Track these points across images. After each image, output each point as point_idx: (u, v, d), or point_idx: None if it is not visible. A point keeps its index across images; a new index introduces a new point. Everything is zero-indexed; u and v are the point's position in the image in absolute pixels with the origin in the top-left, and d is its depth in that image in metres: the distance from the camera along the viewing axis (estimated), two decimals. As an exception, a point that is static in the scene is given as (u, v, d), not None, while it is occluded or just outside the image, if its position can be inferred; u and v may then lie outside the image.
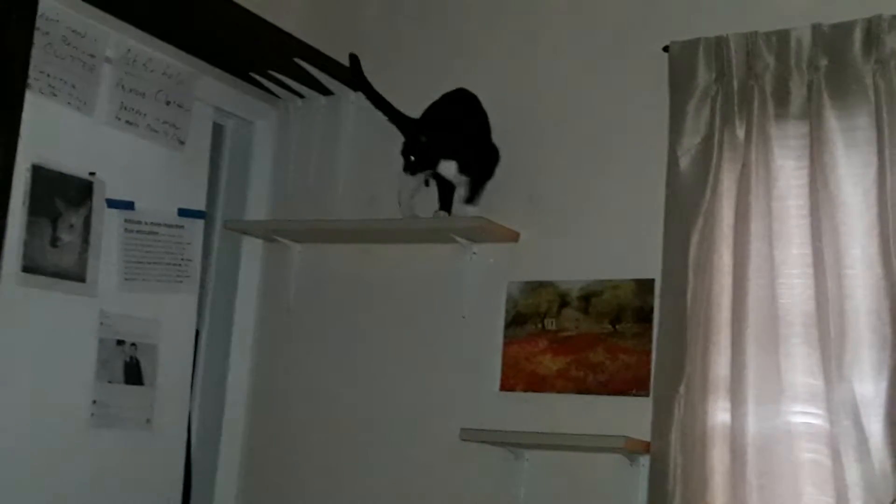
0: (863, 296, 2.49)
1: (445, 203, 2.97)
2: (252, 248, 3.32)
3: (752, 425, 2.52)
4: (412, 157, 2.87)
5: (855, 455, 2.42)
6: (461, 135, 2.93)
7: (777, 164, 2.63)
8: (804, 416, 2.51)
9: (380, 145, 3.13)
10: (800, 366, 2.53)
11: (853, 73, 2.59)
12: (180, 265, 3.03)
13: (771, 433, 2.51)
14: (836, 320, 2.48)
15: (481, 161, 2.96)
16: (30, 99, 2.38)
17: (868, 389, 2.46)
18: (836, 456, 2.44)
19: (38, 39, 2.47)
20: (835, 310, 2.49)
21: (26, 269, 2.62)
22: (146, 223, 2.95)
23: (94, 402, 2.79)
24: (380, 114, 3.04)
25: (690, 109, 2.74)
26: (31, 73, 2.43)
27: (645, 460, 2.66)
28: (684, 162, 2.72)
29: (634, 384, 2.75)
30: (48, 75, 2.67)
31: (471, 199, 2.95)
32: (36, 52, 2.42)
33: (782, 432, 2.51)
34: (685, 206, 2.70)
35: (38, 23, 2.43)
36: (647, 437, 2.64)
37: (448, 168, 2.91)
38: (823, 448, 2.47)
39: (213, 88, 3.16)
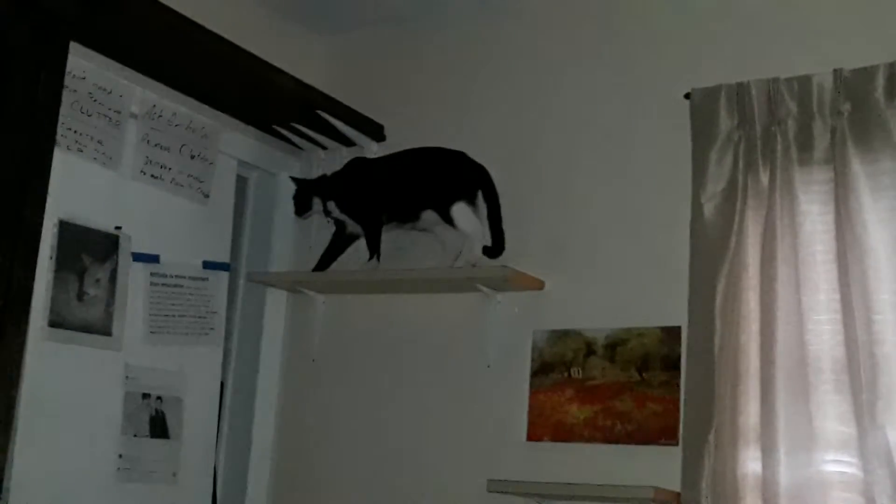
0: (893, 342, 2.47)
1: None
2: (276, 300, 3.33)
3: (784, 474, 2.48)
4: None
5: (890, 504, 2.39)
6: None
7: (802, 210, 2.63)
8: (837, 464, 2.48)
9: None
10: (831, 413, 2.50)
11: (876, 118, 2.59)
12: (205, 317, 3.04)
13: (803, 482, 2.48)
14: (866, 366, 2.46)
15: (361, 206, 3.05)
16: (57, 155, 2.41)
17: (901, 436, 2.42)
18: (870, 505, 2.41)
19: (66, 97, 2.50)
20: (865, 356, 2.47)
21: (53, 323, 2.64)
22: (171, 276, 2.97)
23: (121, 456, 2.79)
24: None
25: (713, 156, 2.74)
26: (59, 129, 2.46)
27: (675, 510, 2.62)
28: (708, 209, 2.72)
29: (663, 433, 2.72)
30: (75, 131, 2.71)
31: (370, 252, 3.04)
32: (63, 109, 2.45)
33: (815, 481, 2.47)
34: (710, 252, 2.69)
35: (66, 80, 2.46)
36: (676, 487, 2.61)
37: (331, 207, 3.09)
38: (857, 497, 2.44)
39: (236, 141, 3.19)
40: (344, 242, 3.15)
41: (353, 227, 3.11)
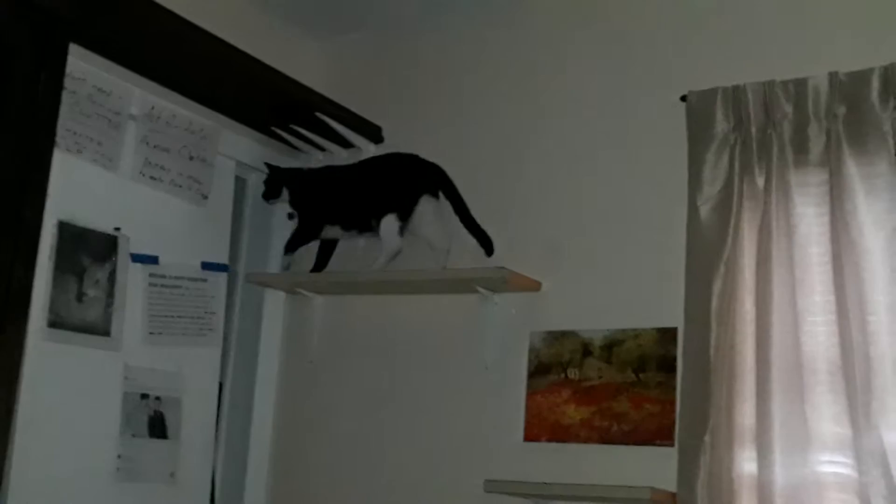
0: (888, 343, 2.47)
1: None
2: (274, 301, 3.34)
3: (780, 475, 2.49)
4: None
5: (885, 505, 2.40)
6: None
7: (798, 212, 2.64)
8: (832, 465, 2.49)
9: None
10: (826, 414, 2.51)
11: (871, 121, 2.60)
12: (203, 318, 3.05)
13: (799, 483, 2.48)
14: (861, 367, 2.47)
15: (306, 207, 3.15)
16: (57, 156, 2.42)
17: (896, 438, 2.44)
18: (865, 506, 2.41)
19: (65, 98, 2.51)
20: (860, 357, 2.47)
21: (52, 323, 2.65)
22: (170, 277, 2.98)
23: (119, 456, 2.80)
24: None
25: (709, 158, 2.76)
26: (58, 131, 2.47)
27: (671, 511, 2.64)
28: (704, 210, 2.73)
29: (659, 434, 2.74)
30: (74, 133, 2.72)
31: (285, 248, 3.18)
32: (62, 111, 2.46)
33: (810, 482, 2.48)
34: (706, 254, 2.70)
35: (65, 82, 2.47)
36: (672, 488, 2.62)
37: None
38: (852, 498, 2.44)
39: (235, 143, 3.20)
40: (331, 241, 3.18)
41: (328, 228, 3.16)
